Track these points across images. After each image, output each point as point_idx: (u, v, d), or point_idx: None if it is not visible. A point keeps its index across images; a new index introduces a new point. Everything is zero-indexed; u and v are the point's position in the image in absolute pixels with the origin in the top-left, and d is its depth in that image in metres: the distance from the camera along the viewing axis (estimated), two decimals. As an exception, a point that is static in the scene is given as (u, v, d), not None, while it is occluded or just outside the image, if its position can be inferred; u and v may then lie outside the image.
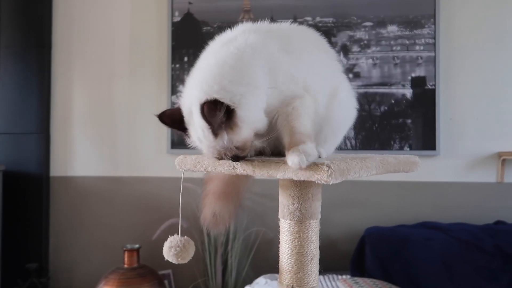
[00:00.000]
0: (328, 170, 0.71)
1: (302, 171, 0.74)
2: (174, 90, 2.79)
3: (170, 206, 2.77)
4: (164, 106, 2.81)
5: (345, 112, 1.03)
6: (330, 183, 0.71)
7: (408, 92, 2.65)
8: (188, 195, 2.66)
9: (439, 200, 2.66)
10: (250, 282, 2.44)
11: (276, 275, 2.46)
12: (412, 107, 2.65)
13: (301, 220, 0.92)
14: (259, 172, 0.82)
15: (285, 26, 1.03)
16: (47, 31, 2.89)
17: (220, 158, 0.87)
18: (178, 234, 1.08)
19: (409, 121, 2.65)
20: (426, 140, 2.62)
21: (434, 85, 2.63)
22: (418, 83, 2.64)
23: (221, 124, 0.82)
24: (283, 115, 0.90)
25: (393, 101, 2.66)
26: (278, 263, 2.78)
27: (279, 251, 2.73)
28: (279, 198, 0.95)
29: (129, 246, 2.52)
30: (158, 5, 2.85)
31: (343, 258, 2.57)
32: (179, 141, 2.78)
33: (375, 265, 2.39)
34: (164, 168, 2.82)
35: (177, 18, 2.81)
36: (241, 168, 0.85)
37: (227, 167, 0.87)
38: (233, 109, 0.82)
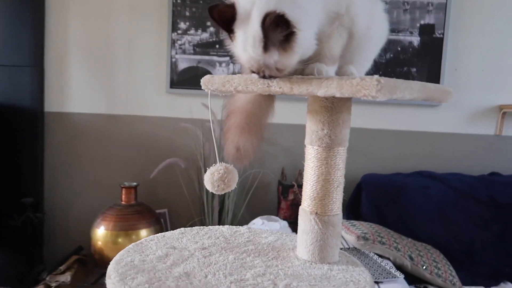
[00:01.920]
0: (378, 84, 0.67)
1: (348, 86, 0.70)
2: (174, 27, 2.68)
3: (168, 146, 2.75)
4: (164, 43, 2.71)
5: (379, 34, 1.00)
6: (378, 99, 0.68)
7: (416, 40, 2.60)
8: (187, 136, 2.66)
9: (437, 150, 2.68)
10: (246, 223, 2.47)
11: (272, 216, 2.50)
12: (419, 55, 2.60)
13: (330, 147, 0.89)
14: (298, 89, 0.78)
15: None
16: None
17: (256, 72, 0.82)
18: (216, 163, 1.04)
19: (414, 69, 2.61)
20: (430, 90, 2.59)
21: (443, 34, 2.57)
22: (426, 31, 2.58)
23: (277, 41, 0.77)
24: (319, 38, 0.86)
25: (399, 49, 2.61)
26: (274, 205, 2.79)
27: (275, 194, 2.74)
28: (307, 124, 0.92)
29: (126, 184, 2.51)
30: None
31: (340, 203, 2.60)
32: (178, 81, 2.71)
33: (371, 211, 2.43)
34: (163, 107, 2.76)
35: (179, -51, 2.64)
36: (277, 86, 0.81)
37: (261, 85, 0.83)
38: (294, 32, 0.77)
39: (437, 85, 0.88)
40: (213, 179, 1.01)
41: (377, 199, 2.44)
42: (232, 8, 0.81)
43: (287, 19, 0.75)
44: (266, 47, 0.78)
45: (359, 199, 2.51)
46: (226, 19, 0.81)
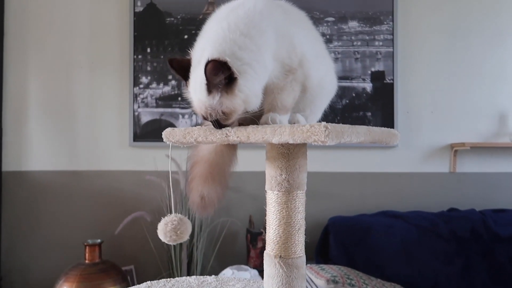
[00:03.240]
0: (325, 130, 0.73)
1: (299, 133, 0.75)
2: (136, 82, 2.73)
3: (133, 200, 2.71)
4: (126, 97, 2.74)
5: (330, 87, 1.08)
6: (327, 144, 0.73)
7: (368, 86, 2.75)
8: (152, 189, 2.64)
9: (397, 189, 2.78)
10: (216, 274, 2.43)
11: (242, 266, 2.47)
12: (372, 100, 2.75)
13: (289, 191, 0.93)
14: (254, 137, 0.82)
15: (280, 1, 1.05)
16: (-1, 18, 2.74)
17: (204, 117, 0.89)
18: (170, 213, 1.05)
19: (369, 114, 2.75)
20: (385, 132, 2.73)
21: (393, 80, 2.74)
22: (377, 77, 2.75)
23: (219, 85, 0.85)
24: (272, 89, 0.93)
25: (354, 95, 2.75)
26: (243, 254, 2.77)
27: (244, 243, 2.72)
28: (266, 170, 0.96)
29: (90, 241, 2.43)
30: (119, -6, 2.78)
31: (308, 247, 2.58)
32: (142, 134, 2.72)
33: (339, 253, 2.45)
34: (126, 161, 2.75)
35: (139, 8, 2.75)
36: (234, 135, 0.85)
37: (220, 135, 0.87)
38: (235, 78, 0.84)
39: (383, 128, 0.95)
40: (166, 229, 1.03)
41: (344, 241, 2.47)
42: (188, 60, 0.91)
43: (227, 65, 0.83)
44: (209, 90, 0.86)
45: (327, 242, 2.53)
46: (184, 68, 0.90)
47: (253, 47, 0.86)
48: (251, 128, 0.84)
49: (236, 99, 0.85)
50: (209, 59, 0.82)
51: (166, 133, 0.99)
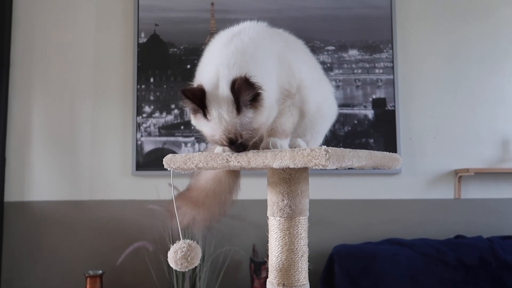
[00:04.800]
0: (326, 154, 0.72)
1: (300, 157, 0.75)
2: (139, 111, 2.76)
3: (135, 230, 2.69)
4: (129, 127, 2.76)
5: (329, 112, 1.08)
6: (328, 168, 0.73)
7: (370, 113, 2.77)
8: (154, 218, 2.62)
9: (402, 216, 2.74)
10: (219, 305, 2.38)
11: (246, 296, 2.42)
12: (374, 127, 2.76)
13: (291, 217, 0.92)
14: (255, 162, 0.82)
15: (278, 29, 1.07)
16: (6, 49, 2.80)
17: (230, 140, 0.86)
18: (179, 240, 1.04)
19: (371, 140, 2.75)
20: (388, 158, 2.72)
21: (394, 106, 2.76)
22: (378, 104, 2.77)
23: (247, 102, 0.85)
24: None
25: (356, 122, 2.76)
26: (247, 284, 2.72)
27: (247, 272, 2.68)
28: (268, 196, 0.96)
29: (91, 272, 2.40)
30: (123, 25, 2.85)
31: (313, 276, 2.53)
32: (144, 163, 2.73)
33: (345, 282, 2.40)
34: (129, 190, 2.74)
35: (143, 39, 2.81)
36: (235, 160, 0.85)
37: (220, 161, 0.87)
38: (259, 93, 0.85)
39: (384, 153, 0.95)
40: (176, 257, 1.01)
41: (350, 270, 2.43)
42: (199, 87, 0.89)
43: (251, 82, 0.83)
44: (238, 109, 0.85)
45: (332, 271, 2.48)
46: (197, 97, 0.88)
47: (263, 69, 0.88)
48: (251, 153, 0.84)
49: (263, 113, 0.86)
50: (235, 78, 0.83)
51: (167, 160, 0.99)
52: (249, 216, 2.65)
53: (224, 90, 0.85)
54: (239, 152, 0.87)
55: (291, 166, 0.77)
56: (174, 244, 1.03)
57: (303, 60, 1.03)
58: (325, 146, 0.75)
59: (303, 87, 0.97)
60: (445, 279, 2.36)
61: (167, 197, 2.58)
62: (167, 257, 1.03)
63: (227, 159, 0.86)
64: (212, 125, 0.87)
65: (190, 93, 0.88)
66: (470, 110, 2.80)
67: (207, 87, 0.88)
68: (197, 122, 0.91)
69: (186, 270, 1.02)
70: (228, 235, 2.65)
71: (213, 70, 0.89)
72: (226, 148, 0.91)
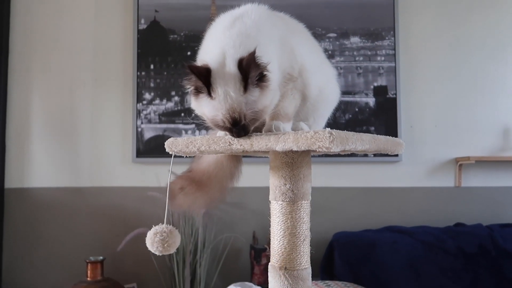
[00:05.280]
0: (330, 136, 0.72)
1: (304, 140, 0.75)
2: (139, 98, 2.74)
3: (135, 217, 2.69)
4: (129, 114, 2.75)
5: (331, 97, 1.07)
6: (332, 150, 0.72)
7: (371, 101, 2.75)
8: (154, 205, 2.61)
9: (402, 204, 2.74)
10: (219, 292, 2.39)
11: (246, 283, 2.43)
12: (375, 115, 2.75)
13: (293, 201, 0.92)
14: (257, 145, 0.81)
15: (279, 13, 1.06)
16: (5, 36, 2.77)
17: (234, 121, 0.84)
18: (162, 223, 1.03)
19: (372, 128, 2.74)
20: (389, 146, 2.71)
21: (395, 94, 2.74)
22: (380, 92, 2.75)
23: (254, 80, 0.84)
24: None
25: (357, 109, 2.75)
26: (247, 271, 2.73)
27: (248, 259, 2.69)
28: (270, 180, 0.95)
29: (92, 258, 2.41)
30: (123, 12, 2.82)
31: (312, 264, 2.56)
32: (145, 150, 2.72)
33: (344, 269, 2.41)
34: (129, 177, 2.74)
35: (143, 26, 2.78)
36: (237, 143, 0.84)
37: (223, 144, 0.86)
38: (265, 74, 0.84)
39: (387, 137, 0.94)
40: (154, 239, 1.01)
41: (349, 257, 2.44)
42: (206, 65, 0.87)
43: (256, 60, 0.82)
44: (245, 87, 0.84)
45: (332, 258, 2.50)
46: (202, 74, 0.86)
47: (266, 52, 0.86)
48: (254, 136, 0.84)
49: (269, 94, 0.85)
50: (242, 56, 0.83)
51: (169, 143, 0.98)
52: (249, 203, 2.65)
53: (231, 68, 0.84)
54: (240, 137, 0.86)
55: (295, 148, 0.77)
56: (156, 226, 1.02)
57: (304, 44, 1.01)
58: (329, 129, 0.74)
59: (305, 70, 0.96)
60: (445, 267, 2.37)
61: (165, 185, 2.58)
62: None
63: (230, 142, 0.86)
64: (215, 104, 0.85)
65: (196, 69, 0.86)
66: (471, 98, 2.79)
67: (213, 65, 0.87)
68: (199, 103, 0.90)
69: (160, 254, 1.01)
70: (229, 222, 2.65)
71: (218, 50, 0.88)
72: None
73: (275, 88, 0.89)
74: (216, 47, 0.89)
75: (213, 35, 0.95)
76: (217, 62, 0.87)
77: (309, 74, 0.97)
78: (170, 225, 1.03)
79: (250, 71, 0.82)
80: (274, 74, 0.87)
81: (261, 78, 0.84)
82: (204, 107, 0.89)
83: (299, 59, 0.94)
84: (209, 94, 0.86)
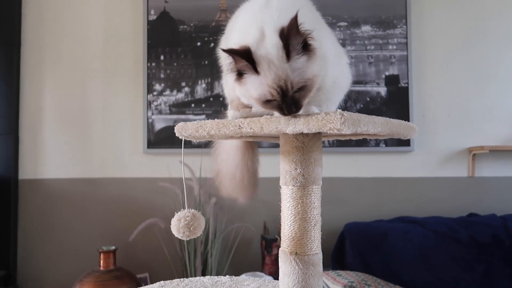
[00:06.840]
0: (341, 117, 0.71)
1: (314, 122, 0.74)
2: (150, 89, 2.75)
3: (147, 207, 2.71)
4: (140, 105, 2.76)
5: (344, 83, 1.06)
6: (343, 132, 0.71)
7: (383, 90, 2.72)
8: (166, 195, 2.63)
9: (415, 195, 2.72)
10: (231, 281, 2.39)
11: (257, 273, 2.44)
12: (387, 104, 2.72)
13: (304, 185, 0.91)
14: (267, 128, 0.80)
15: None
16: (17, 29, 2.80)
17: (281, 90, 0.80)
18: (183, 209, 1.04)
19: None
20: (401, 136, 2.69)
21: (407, 83, 2.71)
22: (391, 81, 2.72)
23: (297, 47, 0.80)
24: None
25: (368, 99, 2.73)
26: (258, 261, 2.73)
27: (258, 250, 2.69)
28: (280, 165, 0.94)
29: (105, 248, 2.43)
30: (133, 2, 2.82)
31: (324, 254, 2.56)
32: (155, 141, 2.73)
33: (356, 259, 2.40)
34: (140, 168, 2.76)
35: (152, 17, 2.78)
36: (248, 127, 0.83)
37: (233, 128, 0.85)
38: (310, 44, 0.81)
39: (400, 121, 0.93)
40: (179, 225, 1.01)
41: (361, 247, 2.43)
42: (244, 46, 0.84)
43: (300, 28, 0.79)
44: (288, 54, 0.80)
45: (343, 248, 2.49)
46: (242, 53, 0.83)
47: (305, 21, 0.83)
48: (264, 119, 0.83)
49: (316, 61, 0.81)
50: (283, 25, 0.80)
51: (179, 127, 0.98)
52: (260, 193, 2.64)
53: (272, 38, 0.81)
54: (291, 113, 0.81)
55: (305, 131, 0.76)
56: (179, 212, 1.03)
57: (326, 33, 0.99)
58: (340, 110, 0.73)
59: (326, 60, 0.93)
60: (458, 257, 2.35)
61: (178, 175, 2.60)
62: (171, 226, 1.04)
63: (240, 126, 0.85)
64: (261, 79, 0.82)
65: (235, 50, 0.83)
66: (485, 87, 2.75)
67: (251, 43, 0.83)
68: (244, 87, 0.86)
69: (188, 238, 1.02)
70: (239, 212, 2.65)
71: (255, 29, 0.84)
72: (244, 113, 0.90)
73: (324, 55, 0.85)
74: (253, 27, 0.85)
75: (247, 15, 0.92)
76: (255, 38, 0.83)
77: (328, 66, 0.95)
78: (191, 209, 1.04)
79: (292, 37, 0.79)
80: (318, 43, 0.84)
81: (306, 46, 0.81)
82: (250, 88, 0.85)
83: (323, 48, 0.92)
84: (255, 70, 0.82)
